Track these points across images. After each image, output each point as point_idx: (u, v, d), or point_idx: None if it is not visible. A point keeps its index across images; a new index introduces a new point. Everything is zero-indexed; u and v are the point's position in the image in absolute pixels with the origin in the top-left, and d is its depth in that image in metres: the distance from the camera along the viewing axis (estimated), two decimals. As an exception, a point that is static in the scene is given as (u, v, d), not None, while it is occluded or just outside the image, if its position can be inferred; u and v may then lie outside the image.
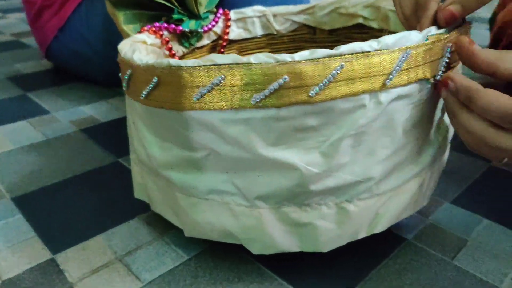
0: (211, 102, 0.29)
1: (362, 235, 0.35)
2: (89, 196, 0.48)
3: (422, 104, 0.32)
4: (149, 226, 0.43)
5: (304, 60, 0.28)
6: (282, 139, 0.30)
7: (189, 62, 0.29)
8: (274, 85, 0.28)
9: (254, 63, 0.28)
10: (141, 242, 0.41)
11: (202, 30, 0.52)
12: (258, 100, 0.28)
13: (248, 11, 0.56)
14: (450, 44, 0.32)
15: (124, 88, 0.37)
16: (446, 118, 0.37)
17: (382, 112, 0.30)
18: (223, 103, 0.29)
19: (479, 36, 1.10)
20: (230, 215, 0.34)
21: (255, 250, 0.35)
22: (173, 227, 0.42)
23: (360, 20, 0.54)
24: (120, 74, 0.38)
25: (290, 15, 0.57)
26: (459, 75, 0.31)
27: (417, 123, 0.33)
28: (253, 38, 0.58)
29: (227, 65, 0.28)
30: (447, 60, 0.32)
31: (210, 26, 0.52)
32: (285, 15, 0.57)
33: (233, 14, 0.56)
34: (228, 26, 0.55)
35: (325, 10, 0.56)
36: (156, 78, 0.31)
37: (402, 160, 0.33)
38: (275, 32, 0.58)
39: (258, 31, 0.58)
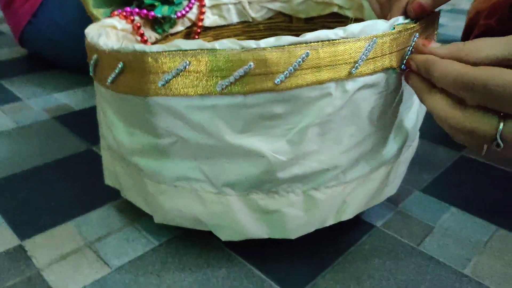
0: (176, 88, 0.29)
1: (329, 222, 0.36)
2: (60, 183, 0.48)
3: (389, 93, 0.32)
4: (120, 212, 0.43)
5: (270, 47, 0.27)
6: (249, 126, 0.30)
7: (154, 47, 0.29)
8: (239, 71, 0.28)
9: (219, 49, 0.28)
10: (111, 228, 0.41)
11: (176, 16, 0.51)
12: (223, 87, 0.28)
13: (224, -3, 0.56)
14: (417, 34, 0.32)
15: (91, 73, 0.36)
16: (414, 107, 0.37)
17: (348, 100, 0.30)
18: (189, 89, 0.29)
19: (459, 28, 1.11)
20: (198, 202, 0.34)
21: (224, 236, 0.35)
22: (144, 214, 0.42)
23: (335, 9, 0.54)
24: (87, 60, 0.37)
25: (266, 3, 0.57)
26: (418, 54, 0.31)
27: (384, 112, 0.33)
28: (228, 25, 0.58)
29: (192, 51, 0.28)
30: (413, 50, 0.32)
31: (183, 12, 0.52)
32: (261, 2, 0.57)
33: (208, 0, 0.55)
34: (202, 13, 0.54)
35: (301, -2, 0.56)
36: (121, 63, 0.31)
37: (369, 149, 0.34)
38: (251, 20, 0.58)
39: (234, 18, 0.57)
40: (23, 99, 0.71)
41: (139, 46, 0.29)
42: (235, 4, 0.57)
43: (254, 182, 0.32)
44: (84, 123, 0.62)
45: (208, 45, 0.28)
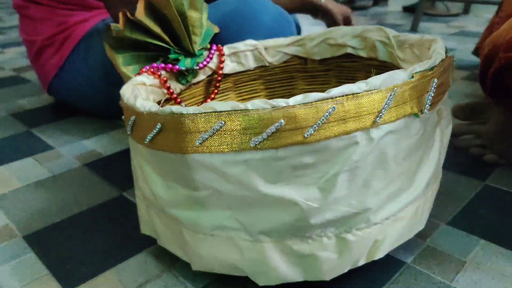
0: (212, 146, 0.31)
1: (362, 262, 0.37)
2: (96, 231, 0.50)
3: (412, 137, 0.34)
4: (157, 259, 0.44)
5: (298, 104, 0.30)
6: (281, 177, 0.32)
7: (190, 109, 0.31)
8: (271, 128, 0.30)
9: (252, 109, 0.30)
10: (150, 275, 0.42)
11: (198, 67, 0.54)
12: (257, 143, 0.30)
13: (241, 45, 0.59)
14: (435, 80, 0.34)
15: (128, 132, 0.38)
16: (436, 145, 0.39)
17: (374, 147, 0.32)
18: (224, 146, 0.31)
19: (468, 51, 1.12)
20: (235, 249, 0.36)
21: (261, 281, 0.36)
22: (180, 260, 0.43)
23: (349, 50, 0.56)
24: (123, 117, 0.40)
25: (281, 47, 0.60)
26: None
27: (408, 154, 0.35)
28: (246, 71, 0.60)
29: (226, 112, 0.30)
30: (433, 94, 0.34)
31: (205, 63, 0.55)
32: (276, 47, 0.60)
33: (226, 49, 0.58)
34: (222, 61, 0.57)
35: (315, 41, 0.58)
36: (159, 124, 0.33)
37: (396, 189, 0.35)
38: (267, 64, 0.60)
39: (251, 64, 0.60)
40: (55, 147, 0.74)
41: (176, 108, 0.32)
42: (252, 50, 0.60)
43: (289, 229, 0.34)
44: (113, 169, 0.65)
45: (241, 106, 0.30)
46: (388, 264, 0.40)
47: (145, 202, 0.42)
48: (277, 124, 0.30)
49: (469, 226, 0.45)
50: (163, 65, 0.50)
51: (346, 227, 0.34)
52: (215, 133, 0.31)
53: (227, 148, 0.31)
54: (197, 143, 0.31)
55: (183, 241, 0.38)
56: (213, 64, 0.57)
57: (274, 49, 0.60)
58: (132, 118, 0.36)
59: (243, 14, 0.65)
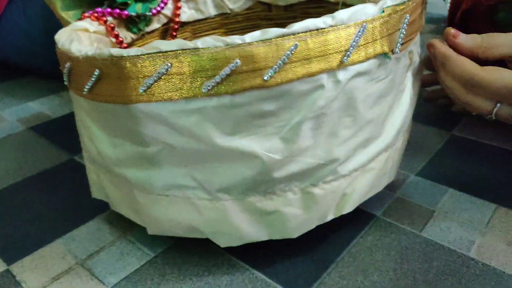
0: (159, 93, 0.27)
1: (330, 217, 0.34)
2: (43, 198, 0.46)
3: (382, 80, 0.31)
4: (110, 225, 0.41)
5: (256, 42, 0.26)
6: (239, 127, 0.28)
7: (131, 51, 0.27)
8: (225, 70, 0.26)
9: (202, 48, 0.26)
10: (103, 243, 0.39)
11: (151, 13, 0.49)
12: (209, 88, 0.26)
13: (199, -10, 0.54)
14: (407, 15, 0.30)
15: (65, 83, 0.34)
16: (407, 90, 0.36)
17: (341, 91, 0.29)
18: (172, 93, 0.27)
19: (435, 5, 1.10)
20: (192, 209, 0.32)
21: (222, 243, 0.34)
22: (136, 224, 0.40)
23: (316, -7, 0.52)
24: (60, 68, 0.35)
25: (243, -8, 0.55)
26: (439, 42, 0.36)
27: (378, 100, 0.32)
28: (206, 18, 0.55)
29: (173, 52, 0.26)
30: (405, 32, 0.31)
31: (158, 9, 0.49)
32: (238, -8, 0.55)
33: (182, -6, 0.53)
34: (178, 8, 0.52)
35: (279, -15, 0.54)
36: (97, 70, 0.29)
37: (365, 138, 0.33)
38: (229, 11, 0.55)
39: (211, 11, 0.55)
40: (-5, 110, 0.68)
41: (115, 51, 0.27)
42: (211, -4, 0.54)
43: (250, 184, 0.31)
44: (63, 132, 0.59)
45: (190, 44, 0.26)
46: (357, 218, 0.38)
47: (92, 163, 0.38)
48: (232, 65, 0.26)
49: (437, 176, 0.43)
50: (109, 10, 0.45)
51: (312, 180, 0.32)
52: (161, 78, 0.27)
53: (176, 95, 0.27)
54: (141, 90, 0.27)
55: (136, 203, 0.34)
56: (168, 11, 0.52)
57: (235, -6, 0.55)
58: (67, 66, 0.32)
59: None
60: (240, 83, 0.26)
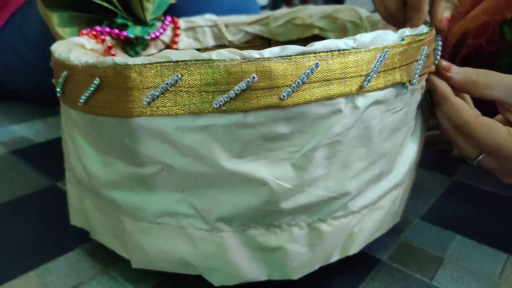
0: (164, 107, 0.25)
1: (335, 257, 0.32)
2: (18, 226, 0.41)
3: (398, 111, 0.30)
4: (92, 258, 0.37)
5: (275, 57, 0.24)
6: (248, 149, 0.26)
7: (137, 59, 0.25)
8: (241, 85, 0.24)
9: (217, 60, 0.24)
10: (82, 277, 0.34)
11: (149, 38, 0.47)
12: (221, 103, 0.24)
13: (199, 20, 0.53)
14: (425, 47, 0.30)
15: (58, 94, 0.31)
16: (418, 127, 0.35)
17: (359, 118, 0.27)
18: (179, 107, 0.25)
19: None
20: (186, 241, 0.29)
21: (217, 281, 0.30)
22: (120, 258, 0.36)
23: (317, 31, 0.52)
24: (53, 80, 0.32)
25: (243, 26, 0.54)
26: (438, 80, 0.33)
27: (393, 132, 0.30)
28: (204, 49, 0.54)
29: (183, 62, 0.24)
30: (422, 64, 0.30)
31: (157, 34, 0.48)
32: (238, 25, 0.54)
33: (182, 22, 0.52)
34: (177, 35, 0.51)
35: (280, 21, 0.53)
36: (97, 79, 0.26)
37: (377, 173, 0.31)
38: (227, 43, 0.55)
39: (210, 41, 0.54)
40: (-26, 132, 0.63)
41: (119, 59, 0.25)
42: (211, 27, 0.54)
43: (254, 214, 0.28)
44: (46, 157, 0.56)
45: (204, 55, 0.24)
46: (362, 262, 0.35)
47: (76, 185, 0.34)
48: (248, 80, 0.24)
49: (442, 221, 0.41)
50: (108, 29, 0.43)
51: (320, 215, 0.29)
52: (168, 90, 0.24)
53: (182, 110, 0.25)
54: (145, 103, 0.25)
55: (122, 231, 0.31)
56: (166, 37, 0.51)
57: (235, 26, 0.54)
58: (63, 74, 0.29)
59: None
60: (255, 101, 0.24)
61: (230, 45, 0.55)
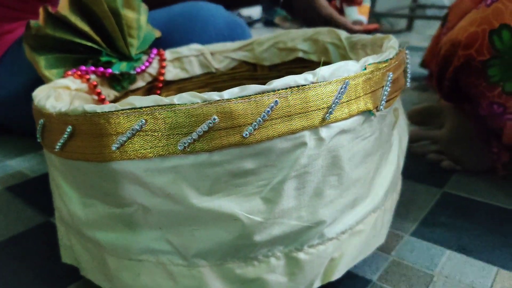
0: (132, 151, 0.26)
1: (317, 284, 0.32)
2: (12, 265, 0.42)
3: (367, 138, 0.30)
4: (83, 294, 0.37)
5: (234, 98, 0.25)
6: (217, 186, 0.27)
7: (105, 107, 0.26)
8: (203, 127, 0.25)
9: (178, 104, 0.25)
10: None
11: (135, 72, 0.48)
12: (186, 145, 0.25)
13: (184, 50, 0.54)
14: (391, 73, 0.30)
15: (38, 140, 0.32)
16: (394, 149, 0.35)
17: (325, 149, 0.27)
18: (147, 150, 0.26)
19: (416, 64, 1.13)
20: (167, 277, 0.30)
21: (199, 314, 0.31)
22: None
23: (300, 54, 0.53)
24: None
25: (229, 53, 0.55)
26: None
27: (365, 158, 0.30)
28: (191, 78, 0.55)
29: (148, 108, 0.25)
30: (389, 90, 0.30)
31: (143, 67, 0.49)
32: (223, 52, 0.55)
33: (168, 53, 0.53)
34: (163, 67, 0.52)
35: (264, 46, 0.55)
36: (70, 127, 0.27)
37: (352, 199, 0.31)
38: (214, 71, 0.56)
39: (197, 70, 0.55)
40: (-28, 169, 0.65)
41: (89, 107, 0.26)
42: (197, 56, 0.55)
43: (229, 249, 0.28)
44: (41, 192, 0.57)
45: (166, 100, 0.25)
46: (351, 283, 0.36)
47: (64, 224, 0.35)
48: (210, 121, 0.25)
49: (432, 237, 0.41)
50: (93, 68, 0.44)
51: (296, 244, 0.30)
52: (135, 135, 0.25)
53: (150, 153, 0.26)
54: (114, 148, 0.26)
55: (108, 268, 0.32)
56: (153, 69, 0.52)
57: (220, 54, 0.55)
58: (40, 122, 0.30)
59: (192, 17, 0.60)
60: (218, 140, 0.25)
61: (217, 72, 0.56)
